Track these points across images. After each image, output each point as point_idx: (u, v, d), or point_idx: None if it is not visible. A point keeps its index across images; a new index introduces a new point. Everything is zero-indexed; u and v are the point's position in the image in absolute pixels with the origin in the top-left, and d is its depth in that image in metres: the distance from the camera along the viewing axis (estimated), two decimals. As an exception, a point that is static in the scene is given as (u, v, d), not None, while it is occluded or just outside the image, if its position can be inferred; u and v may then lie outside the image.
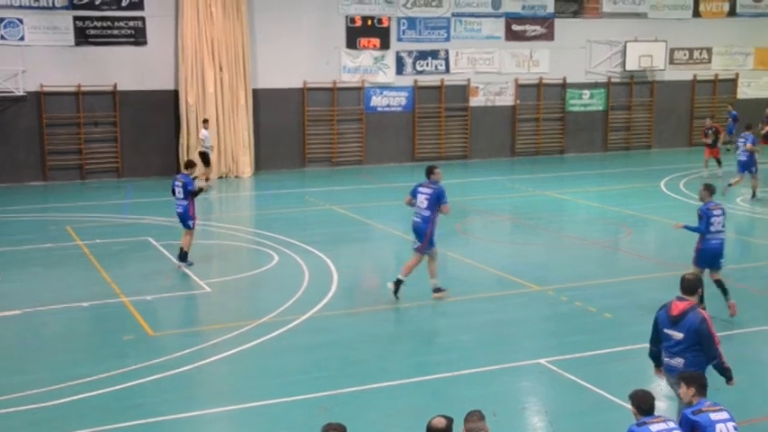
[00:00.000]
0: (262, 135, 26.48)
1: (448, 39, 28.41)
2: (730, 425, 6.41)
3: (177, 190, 15.02)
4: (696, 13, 31.34)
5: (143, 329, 11.75)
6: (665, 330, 7.61)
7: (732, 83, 32.31)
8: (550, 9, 29.42)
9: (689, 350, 7.41)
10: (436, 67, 28.45)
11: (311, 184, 24.67)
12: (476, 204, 21.58)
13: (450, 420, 5.86)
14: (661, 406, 8.84)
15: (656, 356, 7.87)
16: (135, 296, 13.21)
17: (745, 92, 32.46)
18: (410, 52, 28.03)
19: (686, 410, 6.58)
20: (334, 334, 11.67)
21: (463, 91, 28.80)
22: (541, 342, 11.34)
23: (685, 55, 31.51)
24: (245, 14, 25.56)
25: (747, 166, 20.92)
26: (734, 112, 29.85)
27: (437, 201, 12.91)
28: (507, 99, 29.46)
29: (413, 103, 28.27)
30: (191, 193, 14.87)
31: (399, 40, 27.84)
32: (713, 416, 6.46)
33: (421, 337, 11.53)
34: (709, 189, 12.05)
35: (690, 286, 7.63)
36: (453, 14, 28.32)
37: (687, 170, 26.25)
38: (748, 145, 20.80)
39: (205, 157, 23.25)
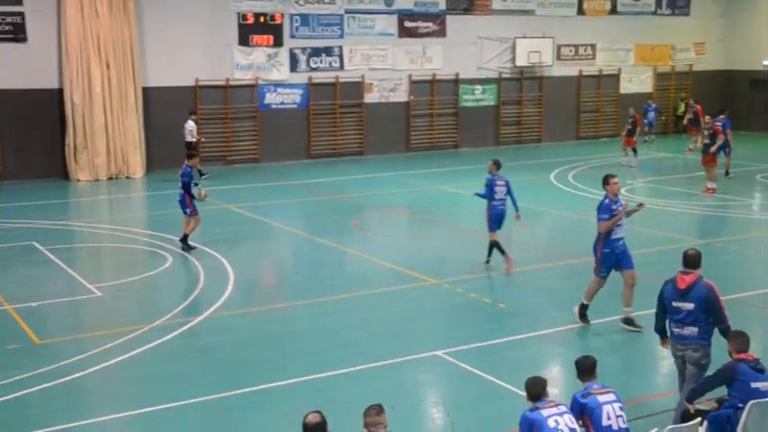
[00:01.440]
0: (153, 134, 25.82)
1: (342, 35, 28.40)
2: (616, 406, 6.66)
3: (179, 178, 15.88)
4: (581, 11, 32.38)
5: (28, 337, 11.26)
6: (674, 303, 7.98)
7: (615, 78, 33.55)
8: (442, 6, 29.82)
9: (701, 319, 7.85)
10: (330, 63, 28.41)
11: (206, 183, 24.17)
12: (372, 200, 21.67)
13: (323, 416, 5.97)
14: (553, 392, 9.10)
15: (662, 330, 8.28)
16: (19, 303, 12.65)
17: (627, 87, 33.75)
18: (304, 49, 27.89)
19: (576, 394, 6.80)
20: (230, 334, 11.49)
21: (358, 87, 28.87)
22: (438, 334, 11.47)
23: (571, 51, 32.51)
24: (132, 11, 24.86)
25: (721, 147, 22.12)
26: (654, 105, 31.08)
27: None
28: (401, 95, 29.70)
29: (307, 100, 28.14)
30: (184, 185, 15.71)
31: (293, 36, 27.65)
32: (601, 398, 6.70)
33: (319, 334, 11.47)
34: (496, 163, 14.33)
35: (693, 260, 8.06)
36: (346, 11, 28.33)
37: (576, 162, 27.11)
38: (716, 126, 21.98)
39: (191, 148, 23.38)
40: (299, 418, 8.54)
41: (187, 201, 15.88)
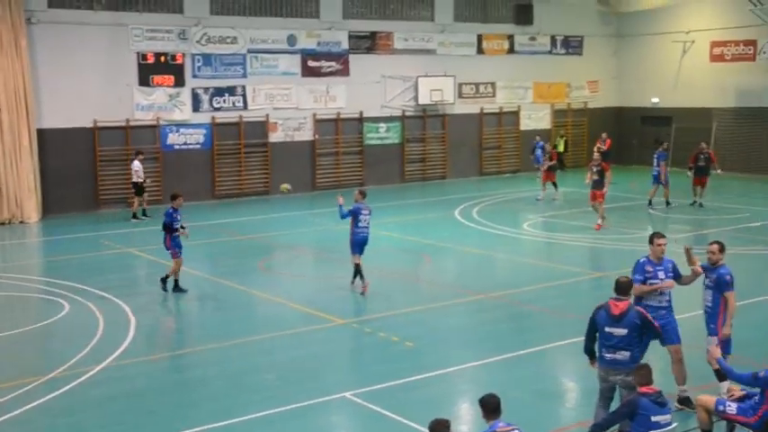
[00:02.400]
0: (49, 177, 25.01)
1: (245, 75, 28.29)
2: (522, 443, 6.70)
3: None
4: (480, 50, 33.23)
5: None
6: (607, 329, 8.32)
7: (515, 115, 34.48)
8: (345, 45, 30.10)
9: (633, 344, 8.28)
10: (234, 103, 28.22)
11: (106, 227, 23.53)
12: (278, 240, 21.48)
13: None
14: (462, 430, 9.13)
15: (591, 352, 8.64)
16: None
17: (527, 123, 34.73)
18: (206, 89, 27.63)
19: (482, 432, 6.82)
20: (131, 383, 11.10)
21: (262, 127, 28.74)
22: (346, 375, 11.38)
23: (472, 89, 33.27)
24: (25, 50, 24.14)
25: (658, 179, 24.66)
26: (541, 143, 31.82)
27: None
28: (306, 134, 29.73)
29: (211, 139, 27.84)
30: (163, 226, 15.65)
31: (195, 76, 27.37)
32: (506, 436, 6.74)
33: (224, 379, 11.21)
34: (362, 192, 15.63)
35: (624, 287, 8.52)
36: (249, 51, 28.26)
37: (480, 198, 27.61)
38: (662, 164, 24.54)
39: (138, 188, 24.25)
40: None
41: (167, 242, 15.70)
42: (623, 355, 8.23)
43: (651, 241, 9.79)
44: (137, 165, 24.51)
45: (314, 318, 14.00)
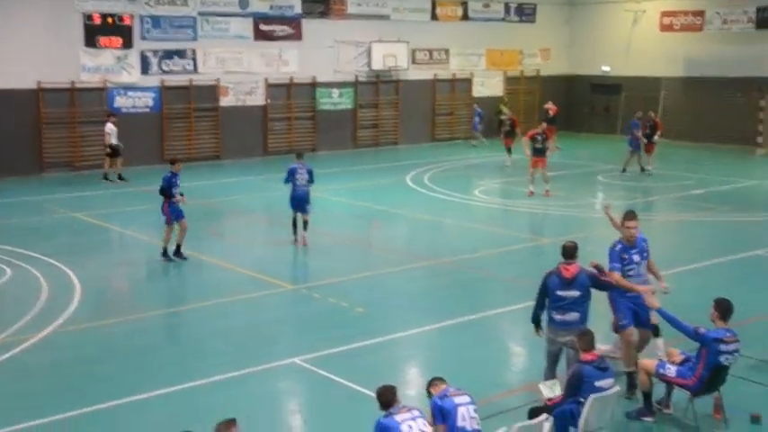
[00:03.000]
0: (-9, 140, 24.38)
1: (195, 38, 27.78)
2: (471, 408, 6.81)
3: None
4: (434, 17, 33.10)
5: None
6: (559, 292, 8.61)
7: (468, 82, 34.51)
8: (298, 9, 29.72)
9: (582, 304, 8.63)
10: (184, 66, 27.74)
11: (50, 190, 23.07)
12: (229, 205, 21.32)
13: None
14: (410, 394, 9.23)
15: (538, 320, 8.92)
16: None
17: (479, 90, 34.79)
18: (155, 51, 27.09)
19: (434, 397, 6.91)
20: (79, 350, 10.98)
21: (213, 91, 28.33)
22: (296, 341, 11.39)
23: (426, 55, 33.18)
24: (-35, 9, 23.38)
25: (634, 147, 25.15)
26: (479, 110, 32.06)
27: None
28: (258, 99, 29.39)
29: (161, 103, 27.36)
30: (161, 190, 15.31)
31: (143, 38, 26.80)
32: (456, 399, 6.84)
33: (174, 345, 11.16)
34: (299, 155, 16.99)
35: (571, 251, 8.78)
36: (200, 13, 27.74)
37: (431, 164, 27.67)
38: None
39: (113, 150, 24.01)
40: (150, 434, 8.30)
41: (164, 208, 15.37)
42: (573, 316, 8.57)
43: (622, 223, 9.44)
44: (110, 127, 24.30)
45: (264, 283, 13.97)
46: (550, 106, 32.32)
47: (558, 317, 8.63)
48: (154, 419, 8.82)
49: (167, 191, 15.35)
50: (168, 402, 9.27)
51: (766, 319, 11.33)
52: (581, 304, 8.60)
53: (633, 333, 9.13)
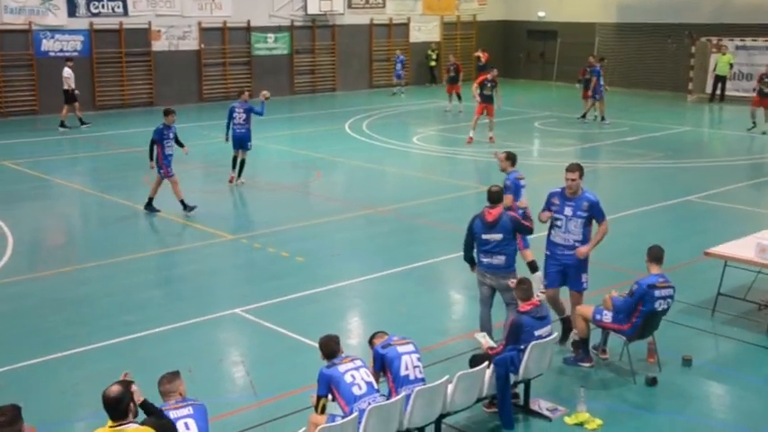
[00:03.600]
0: None
1: (124, -21, 26.89)
2: (414, 356, 6.90)
3: None
4: (370, -41, 32.61)
5: None
6: (483, 236, 8.75)
7: (405, 27, 34.23)
8: (230, -50, 28.93)
9: (507, 247, 8.74)
10: (113, 9, 26.84)
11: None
12: (164, 153, 20.85)
13: (126, 387, 5.16)
14: (352, 343, 9.30)
15: (471, 259, 9.03)
16: None
17: (416, 36, 34.58)
18: (82, -8, 26.13)
19: (377, 346, 6.97)
20: (10, 303, 10.73)
21: (144, 35, 27.53)
22: (236, 291, 11.33)
23: (362, 0, 32.74)
24: None
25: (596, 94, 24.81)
26: (401, 57, 31.73)
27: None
28: (191, 43, 28.69)
29: (90, 47, 26.49)
30: (152, 143, 14.83)
31: (69, -22, 25.82)
32: (400, 349, 6.91)
33: (111, 296, 10.97)
34: (239, 92, 17.37)
35: (495, 196, 8.88)
36: (128, -47, 26.78)
37: (370, 111, 27.52)
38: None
39: (67, 96, 23.48)
40: (89, 388, 8.20)
41: (159, 159, 14.76)
42: (499, 259, 8.72)
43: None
44: (67, 71, 23.65)
45: (202, 233, 13.81)
46: (481, 53, 32.30)
47: (485, 260, 8.82)
48: (94, 372, 8.71)
49: (159, 142, 14.77)
50: (108, 355, 9.15)
51: (697, 262, 11.69)
52: (505, 247, 8.72)
53: (553, 293, 9.13)
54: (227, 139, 17.20)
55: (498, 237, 8.69)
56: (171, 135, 15.00)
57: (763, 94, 23.10)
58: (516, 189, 10.62)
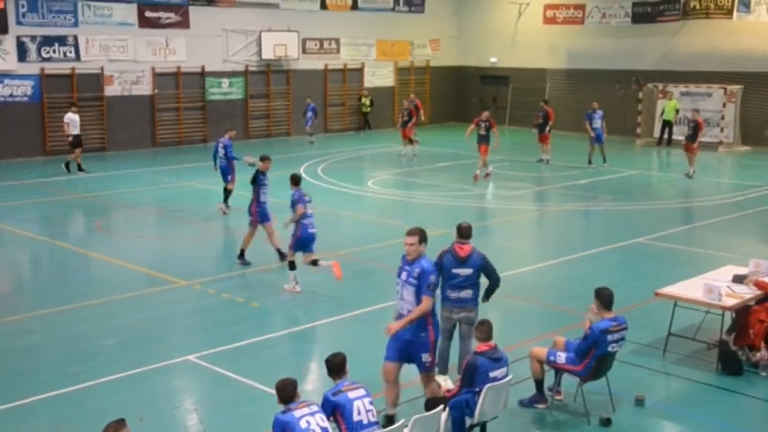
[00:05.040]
0: None
1: (76, 24, 26.77)
2: (366, 401, 6.86)
3: None
4: (323, 6, 32.98)
5: None
6: (454, 270, 8.96)
7: (359, 72, 34.59)
8: (184, -4, 29.07)
9: (474, 283, 8.99)
10: (65, 54, 26.69)
11: None
12: (117, 199, 20.67)
13: None
14: (307, 389, 9.22)
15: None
16: None
17: (370, 80, 34.95)
18: (33, 37, 25.95)
19: (327, 392, 6.92)
20: (-44, 355, 10.43)
21: (97, 80, 27.38)
22: (190, 338, 11.18)
23: (316, 45, 33.05)
24: None
25: (600, 138, 25.10)
26: (312, 105, 30.66)
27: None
28: (145, 88, 28.60)
29: (41, 92, 26.24)
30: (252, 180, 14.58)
31: (19, 23, 25.62)
32: (351, 394, 6.87)
33: (60, 346, 10.74)
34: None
35: (467, 231, 9.15)
36: (80, -2, 26.76)
37: (325, 156, 27.61)
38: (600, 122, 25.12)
39: (77, 141, 23.80)
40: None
41: (252, 208, 14.45)
42: (467, 293, 8.98)
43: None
44: (72, 117, 23.74)
45: (156, 279, 13.64)
46: (413, 100, 31.37)
47: (452, 294, 9.02)
48: (39, 425, 8.49)
49: (255, 190, 14.39)
50: (55, 407, 8.93)
51: (647, 303, 11.87)
52: (474, 282, 9.01)
53: (389, 368, 8.21)
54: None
55: (468, 272, 8.96)
56: (267, 182, 14.61)
57: (687, 138, 23.80)
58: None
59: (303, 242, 12.87)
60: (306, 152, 28.27)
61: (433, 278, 8.03)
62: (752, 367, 9.88)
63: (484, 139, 23.09)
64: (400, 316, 8.21)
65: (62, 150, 26.74)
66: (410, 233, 8.23)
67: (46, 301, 12.44)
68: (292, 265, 12.93)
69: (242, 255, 14.58)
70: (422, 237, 8.17)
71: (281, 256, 14.33)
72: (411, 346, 8.13)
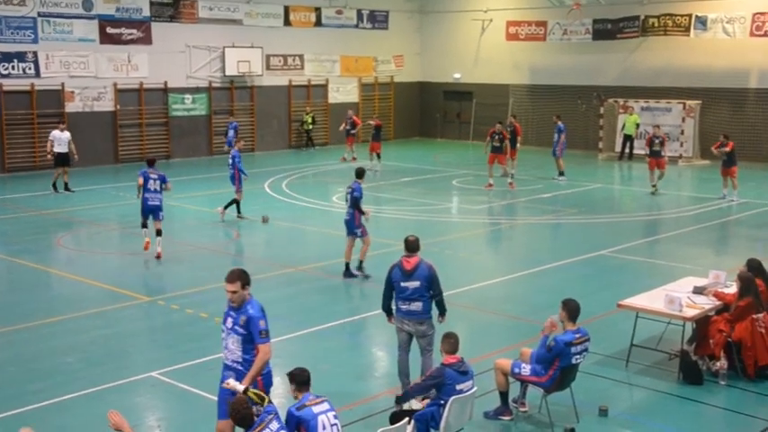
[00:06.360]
0: None
1: (36, 40, 26.49)
2: (330, 415, 6.82)
3: (347, 197, 14.63)
4: (287, 22, 33.02)
5: None
6: (402, 284, 9.05)
7: (323, 88, 34.64)
8: (146, 12, 28.89)
9: (423, 295, 9.01)
10: (24, 70, 26.38)
11: None
12: (79, 215, 20.43)
13: None
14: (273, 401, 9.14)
15: (388, 309, 9.29)
16: None
17: (335, 96, 35.01)
18: (-8, 53, 25.64)
19: (291, 407, 6.87)
20: None
21: (58, 96, 27.09)
22: (152, 354, 11.05)
23: (280, 61, 33.05)
24: None
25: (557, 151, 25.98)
26: (234, 123, 28.97)
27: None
28: (107, 104, 28.37)
29: (-1, 108, 25.90)
30: (354, 201, 14.40)
31: (-23, 39, 25.33)
32: (315, 409, 6.81)
33: (18, 364, 10.54)
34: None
35: (413, 245, 9.25)
36: (39, 14, 26.47)
37: (289, 171, 27.56)
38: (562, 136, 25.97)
39: (60, 159, 23.24)
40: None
41: (357, 219, 14.38)
42: (417, 305, 9.03)
43: None
44: (63, 135, 23.38)
45: (118, 295, 13.48)
46: (372, 120, 29.73)
47: (403, 306, 9.10)
48: (0, 445, 8.33)
49: (358, 203, 14.37)
50: (13, 426, 8.74)
51: (610, 315, 11.98)
52: (423, 295, 9.03)
53: (222, 428, 7.35)
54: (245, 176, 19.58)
55: (416, 284, 9.00)
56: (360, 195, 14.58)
57: (653, 154, 23.91)
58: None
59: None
60: (270, 167, 28.18)
61: (263, 323, 7.15)
62: (712, 376, 10.01)
63: (498, 150, 24.42)
64: (226, 367, 7.31)
65: (22, 167, 26.40)
66: (230, 280, 7.16)
67: (5, 319, 12.22)
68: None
69: (360, 266, 14.70)
70: (244, 281, 7.18)
71: (361, 269, 14.66)
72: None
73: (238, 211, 19.49)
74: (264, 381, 7.27)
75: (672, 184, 25.38)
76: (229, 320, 7.28)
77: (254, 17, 31.84)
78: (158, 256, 15.87)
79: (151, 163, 16.47)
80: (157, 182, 16.17)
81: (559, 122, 26.34)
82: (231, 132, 28.38)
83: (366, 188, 23.93)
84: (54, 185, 23.35)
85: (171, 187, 16.70)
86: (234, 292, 7.17)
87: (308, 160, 30.59)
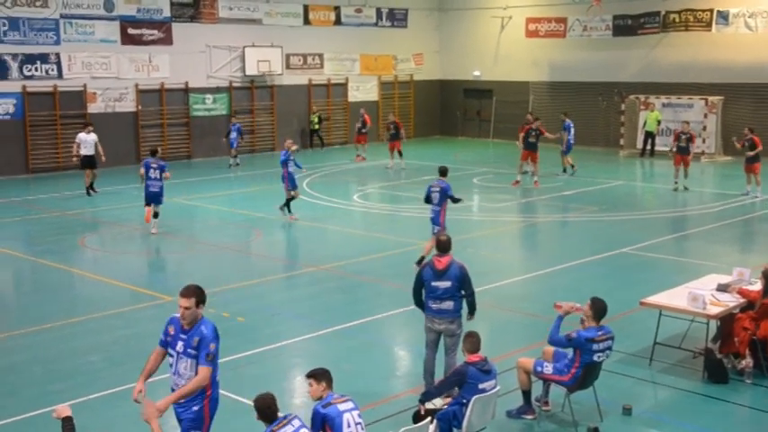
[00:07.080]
0: None
1: (58, 42, 26.71)
2: (355, 413, 6.82)
3: (433, 196, 14.72)
4: (307, 21, 33.08)
5: None
6: (433, 283, 9.02)
7: (343, 87, 34.66)
8: (167, 13, 29.05)
9: (455, 294, 8.99)
10: (47, 71, 26.61)
11: None
12: (102, 215, 20.58)
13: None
14: (296, 402, 9.17)
15: (421, 304, 9.25)
16: None
17: (354, 95, 35.02)
18: (15, 55, 25.86)
19: (317, 405, 6.87)
20: (-62, 374, 10.31)
21: (80, 97, 27.30)
22: (175, 354, 11.07)
23: (300, 60, 33.11)
24: None
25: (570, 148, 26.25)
26: (237, 125, 28.73)
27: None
28: (129, 105, 28.55)
29: (23, 110, 26.12)
30: (450, 198, 14.72)
31: (1, 42, 25.52)
32: (341, 407, 6.81)
33: (43, 364, 10.64)
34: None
35: (445, 245, 9.21)
36: (62, 16, 26.68)
37: (310, 170, 27.54)
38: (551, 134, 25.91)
39: (87, 162, 23.12)
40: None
41: (442, 217, 14.67)
42: (447, 304, 9.01)
43: None
44: (89, 137, 23.15)
45: (140, 295, 13.56)
46: (363, 114, 30.60)
47: (434, 305, 9.08)
48: (25, 444, 8.40)
49: (452, 197, 14.89)
50: (37, 426, 8.83)
51: (633, 313, 11.89)
52: (454, 294, 9.02)
53: None
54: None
55: (447, 284, 8.98)
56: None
57: (680, 150, 23.72)
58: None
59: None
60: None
61: (213, 346, 6.72)
62: (737, 375, 9.91)
63: (532, 146, 24.18)
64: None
65: (46, 168, 26.63)
66: (184, 294, 6.75)
67: (28, 320, 12.33)
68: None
69: (421, 260, 14.59)
70: (199, 298, 6.76)
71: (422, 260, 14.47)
72: (180, 419, 6.96)
73: (288, 210, 19.43)
74: (210, 406, 6.90)
75: (695, 180, 25.16)
76: (180, 344, 6.79)
77: (273, 17, 31.93)
78: (154, 233, 17.71)
79: (153, 153, 18.32)
80: (157, 170, 17.69)
81: (567, 120, 26.25)
82: (234, 134, 28.28)
83: (386, 186, 24.00)
84: (89, 188, 23.12)
85: (169, 176, 17.91)
86: (187, 308, 6.71)
87: (329, 159, 30.59)
